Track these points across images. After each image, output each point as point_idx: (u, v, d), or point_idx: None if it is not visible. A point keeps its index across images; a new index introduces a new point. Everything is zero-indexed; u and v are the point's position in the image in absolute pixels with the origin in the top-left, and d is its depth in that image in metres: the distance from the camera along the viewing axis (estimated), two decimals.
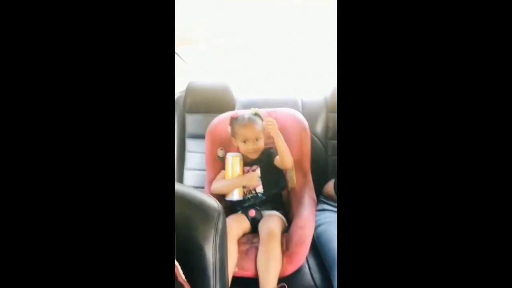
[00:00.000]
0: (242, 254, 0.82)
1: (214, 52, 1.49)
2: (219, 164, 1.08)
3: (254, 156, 1.00)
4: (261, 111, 1.09)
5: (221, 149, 1.10)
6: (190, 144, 1.37)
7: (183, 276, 0.45)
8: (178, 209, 0.51)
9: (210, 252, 0.51)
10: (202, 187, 1.13)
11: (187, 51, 1.32)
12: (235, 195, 0.96)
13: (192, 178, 1.33)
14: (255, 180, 0.94)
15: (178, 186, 0.60)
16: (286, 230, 0.91)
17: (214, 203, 0.55)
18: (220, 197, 1.01)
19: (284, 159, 0.93)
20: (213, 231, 0.52)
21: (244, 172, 1.00)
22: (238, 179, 0.97)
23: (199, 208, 0.54)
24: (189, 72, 1.49)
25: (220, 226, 0.54)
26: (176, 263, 0.45)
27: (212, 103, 1.34)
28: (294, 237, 0.82)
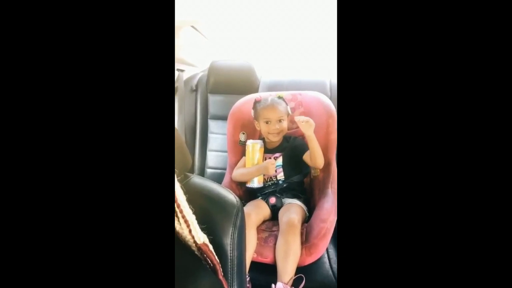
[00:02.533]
0: (261, 241, 0.82)
1: (236, 28, 1.42)
2: (240, 149, 1.07)
3: (276, 138, 0.98)
4: (285, 93, 1.04)
5: (243, 133, 1.08)
6: (212, 125, 1.36)
7: (216, 258, 0.45)
8: (196, 203, 0.51)
9: (228, 248, 0.51)
10: (224, 169, 1.14)
11: (207, 26, 1.26)
12: (255, 183, 0.95)
13: (215, 159, 1.34)
14: (272, 168, 0.92)
15: (197, 179, 0.59)
16: (307, 220, 0.90)
17: (233, 198, 0.54)
18: (242, 183, 1.01)
19: (316, 161, 0.90)
20: (231, 228, 0.52)
21: (265, 159, 0.98)
22: (255, 168, 0.95)
23: (218, 203, 0.54)
24: (211, 48, 1.44)
25: (238, 222, 0.53)
26: (210, 246, 0.45)
27: (235, 84, 1.31)
28: (314, 229, 0.80)
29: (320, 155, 0.90)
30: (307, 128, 0.85)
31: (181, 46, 1.18)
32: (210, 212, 0.53)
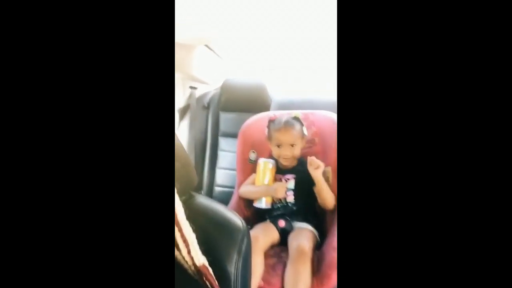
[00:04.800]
0: (269, 268, 0.77)
1: (249, 47, 1.44)
2: (250, 167, 1.04)
3: (287, 163, 0.94)
4: (297, 113, 1.02)
5: (253, 151, 1.06)
6: (223, 142, 1.35)
7: (216, 282, 0.43)
8: (199, 224, 0.48)
9: (231, 278, 0.47)
10: (233, 187, 1.11)
11: (222, 46, 1.28)
12: (263, 203, 0.91)
13: (224, 177, 1.31)
14: (282, 191, 0.88)
15: (202, 199, 0.56)
16: (318, 247, 0.84)
17: (239, 222, 0.51)
18: (251, 204, 0.98)
19: (326, 202, 0.87)
20: (235, 255, 0.48)
21: (275, 180, 0.94)
22: (264, 188, 0.91)
23: (222, 227, 0.50)
24: (224, 67, 1.46)
25: (244, 248, 0.49)
26: (210, 270, 0.43)
27: (247, 102, 1.30)
28: (327, 257, 0.75)
29: (329, 196, 0.86)
30: (313, 170, 0.83)
31: (194, 65, 1.20)
32: (214, 236, 0.50)
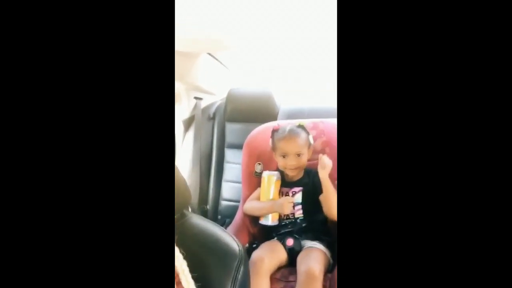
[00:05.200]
0: None
1: (256, 58, 1.40)
2: (255, 181, 0.98)
3: (293, 173, 0.88)
4: (305, 121, 0.95)
5: (259, 163, 1.00)
6: (229, 154, 1.30)
7: None
8: (191, 249, 0.42)
9: None
10: (239, 201, 1.05)
11: (228, 56, 1.25)
12: (269, 220, 0.85)
13: (230, 190, 1.25)
14: (288, 207, 0.81)
15: (196, 219, 0.51)
16: (331, 270, 0.76)
17: (235, 248, 0.45)
18: (257, 220, 0.91)
19: (330, 209, 0.81)
20: (230, 283, 0.42)
21: (282, 194, 0.88)
22: (270, 204, 0.85)
23: (216, 252, 0.44)
24: (231, 78, 1.43)
25: (240, 277, 0.43)
26: None
27: (253, 112, 1.26)
28: None
29: (333, 205, 0.79)
30: (321, 169, 0.78)
31: (198, 74, 1.17)
32: (207, 263, 0.44)
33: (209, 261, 0.44)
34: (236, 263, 0.43)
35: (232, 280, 0.43)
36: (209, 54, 1.12)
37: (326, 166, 0.79)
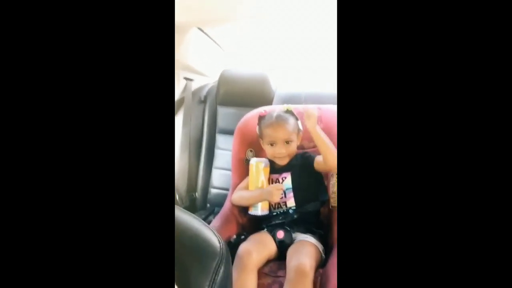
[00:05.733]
0: None
1: (252, 37, 1.31)
2: (246, 168, 0.92)
3: (283, 162, 0.82)
4: (300, 107, 0.89)
5: (251, 150, 0.94)
6: (220, 140, 1.24)
7: None
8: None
9: None
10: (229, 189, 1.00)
11: (222, 34, 1.15)
12: (259, 209, 0.80)
13: (221, 178, 1.20)
14: (277, 195, 0.76)
15: (176, 212, 0.45)
16: (323, 264, 0.71)
17: (215, 245, 0.39)
18: (246, 209, 0.86)
19: (327, 160, 0.74)
20: (206, 286, 0.37)
21: (272, 182, 0.83)
22: (258, 192, 0.80)
23: (194, 251, 0.39)
24: (225, 58, 1.34)
25: (218, 278, 0.38)
26: None
27: (247, 96, 1.19)
28: (332, 279, 0.62)
29: (330, 152, 0.73)
30: (310, 121, 0.73)
31: (188, 52, 1.08)
32: (184, 261, 0.38)
33: (186, 260, 0.38)
34: (215, 262, 0.37)
35: (210, 282, 0.37)
36: (200, 29, 1.03)
37: (311, 116, 0.74)
